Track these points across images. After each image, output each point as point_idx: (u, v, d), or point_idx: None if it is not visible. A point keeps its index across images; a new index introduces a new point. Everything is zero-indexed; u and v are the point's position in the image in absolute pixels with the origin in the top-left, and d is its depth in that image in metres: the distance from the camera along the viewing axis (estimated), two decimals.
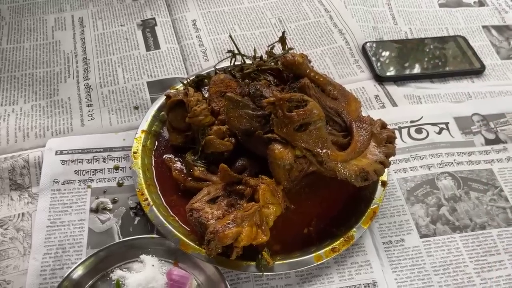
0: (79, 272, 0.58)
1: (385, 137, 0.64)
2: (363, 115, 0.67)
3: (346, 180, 0.60)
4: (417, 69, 0.88)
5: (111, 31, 0.92)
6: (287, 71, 0.66)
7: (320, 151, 0.58)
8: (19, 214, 0.65)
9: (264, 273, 0.58)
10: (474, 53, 0.90)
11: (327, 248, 0.60)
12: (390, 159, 0.71)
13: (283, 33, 0.76)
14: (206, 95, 0.74)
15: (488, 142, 0.76)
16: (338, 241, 0.61)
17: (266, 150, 0.61)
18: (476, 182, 0.71)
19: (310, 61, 0.67)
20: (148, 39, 0.91)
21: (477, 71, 0.88)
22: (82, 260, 0.59)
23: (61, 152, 0.71)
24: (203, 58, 0.88)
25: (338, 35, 0.95)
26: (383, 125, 0.66)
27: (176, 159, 0.70)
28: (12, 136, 0.74)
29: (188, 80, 0.77)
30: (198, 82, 0.78)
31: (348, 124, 0.63)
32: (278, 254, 0.61)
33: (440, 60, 0.90)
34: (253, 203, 0.58)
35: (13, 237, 0.63)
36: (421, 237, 0.65)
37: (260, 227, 0.57)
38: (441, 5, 1.03)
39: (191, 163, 0.67)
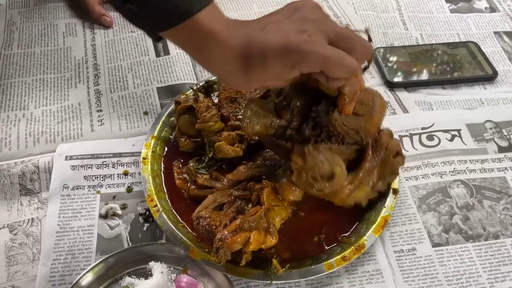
0: (88, 278, 0.58)
1: (394, 168, 0.61)
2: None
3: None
4: (428, 75, 0.87)
5: (121, 37, 0.92)
6: (312, 88, 0.58)
7: (328, 197, 0.59)
8: (28, 220, 0.65)
9: (274, 281, 0.58)
10: (486, 59, 0.89)
11: (338, 257, 0.60)
12: (401, 166, 0.71)
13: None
14: (216, 101, 0.74)
15: (501, 149, 0.75)
16: (349, 250, 0.60)
17: (280, 151, 0.61)
18: (489, 191, 0.70)
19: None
20: (157, 45, 0.91)
21: (489, 78, 0.87)
22: (91, 266, 0.59)
23: (71, 158, 0.71)
24: None
25: None
26: (398, 153, 0.61)
27: (181, 166, 0.69)
28: (23, 141, 0.74)
29: (198, 85, 0.77)
30: (208, 88, 0.78)
31: (364, 145, 0.59)
32: (288, 262, 0.60)
33: (451, 66, 0.89)
34: (258, 206, 0.58)
35: (23, 242, 0.63)
36: (434, 246, 0.64)
37: (267, 230, 0.57)
38: (452, 11, 1.03)
39: (193, 171, 0.66)
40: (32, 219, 0.65)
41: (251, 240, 0.53)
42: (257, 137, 0.64)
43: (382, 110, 0.58)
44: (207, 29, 0.47)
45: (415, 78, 0.86)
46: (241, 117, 0.62)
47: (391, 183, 0.63)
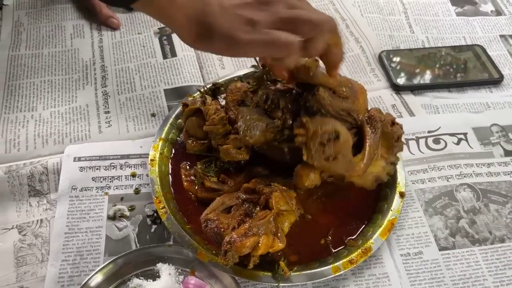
0: (97, 279, 0.58)
1: (395, 137, 0.64)
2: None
3: (362, 187, 0.63)
4: (434, 78, 0.87)
5: (128, 39, 0.93)
6: (299, 81, 0.65)
7: (346, 173, 0.59)
8: (37, 221, 0.66)
9: (281, 284, 0.58)
10: (492, 63, 0.90)
11: (345, 260, 0.60)
12: (407, 169, 0.72)
13: None
14: (223, 103, 0.75)
15: (507, 153, 0.75)
16: (356, 253, 0.61)
17: (280, 155, 0.63)
18: (495, 194, 0.70)
19: (317, 61, 0.63)
20: (165, 47, 0.91)
21: (496, 81, 0.87)
22: (100, 267, 0.59)
23: (79, 159, 0.72)
24: (219, 66, 0.89)
25: (354, 43, 0.94)
26: (393, 122, 0.65)
27: (188, 168, 0.70)
28: (31, 143, 0.75)
29: (205, 88, 0.77)
30: (215, 90, 0.78)
31: (360, 124, 0.63)
32: (295, 264, 0.60)
33: (457, 69, 0.89)
34: (267, 210, 0.58)
35: (31, 243, 0.64)
36: (440, 249, 0.64)
37: (276, 235, 0.57)
38: (458, 14, 1.03)
39: (201, 173, 0.67)
40: (41, 220, 0.66)
41: (260, 244, 0.53)
42: (257, 148, 0.65)
43: (363, 91, 0.64)
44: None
45: (420, 80, 0.87)
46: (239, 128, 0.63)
47: (400, 151, 0.65)
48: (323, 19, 0.52)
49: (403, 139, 0.65)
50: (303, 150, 0.57)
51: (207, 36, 0.53)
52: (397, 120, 0.68)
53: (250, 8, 0.52)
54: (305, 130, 0.57)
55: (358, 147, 0.62)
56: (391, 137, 0.64)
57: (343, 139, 0.57)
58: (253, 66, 0.77)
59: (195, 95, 0.77)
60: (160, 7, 0.55)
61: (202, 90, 0.77)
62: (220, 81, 0.79)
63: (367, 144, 0.61)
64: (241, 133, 0.63)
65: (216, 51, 0.57)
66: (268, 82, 0.73)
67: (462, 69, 0.89)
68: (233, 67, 0.88)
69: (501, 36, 0.98)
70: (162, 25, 0.95)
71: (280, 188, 0.60)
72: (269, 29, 0.51)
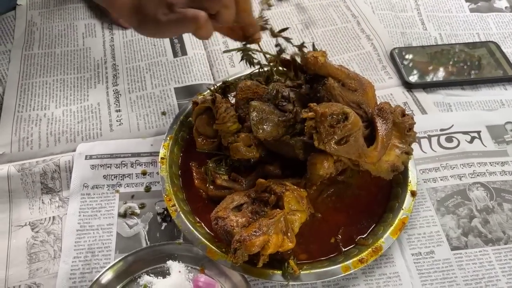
0: (108, 276, 0.59)
1: (407, 126, 0.64)
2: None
3: (379, 175, 0.63)
4: (447, 76, 0.86)
5: (139, 38, 0.93)
6: (308, 72, 0.65)
7: (359, 159, 0.59)
8: (50, 218, 0.67)
9: (291, 283, 0.58)
10: (507, 60, 0.88)
11: (355, 259, 0.59)
12: (419, 168, 0.71)
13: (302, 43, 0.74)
14: (233, 101, 0.74)
15: None
16: (366, 252, 0.60)
17: (292, 151, 0.62)
18: (509, 194, 0.69)
19: (326, 54, 0.65)
20: (175, 45, 0.91)
21: (510, 78, 0.86)
22: (110, 264, 0.60)
23: (91, 157, 0.72)
24: (229, 64, 0.89)
25: (365, 40, 0.94)
26: (403, 113, 0.65)
27: (199, 166, 0.70)
28: (44, 141, 0.76)
29: (215, 86, 0.77)
30: (225, 89, 0.78)
31: (370, 116, 0.64)
32: (305, 263, 0.60)
33: (471, 66, 0.87)
34: (278, 210, 0.58)
35: (44, 240, 0.64)
36: (452, 249, 0.63)
37: (285, 234, 0.57)
38: (471, 10, 1.01)
39: (212, 171, 0.67)
40: (53, 217, 0.67)
41: (269, 243, 0.53)
42: (269, 144, 0.65)
43: (371, 85, 0.66)
44: None
45: (433, 78, 0.85)
46: (251, 122, 0.63)
47: (413, 141, 0.65)
48: None
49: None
50: (314, 136, 0.57)
51: (143, 22, 0.62)
52: None
53: None
54: (313, 113, 0.57)
55: (371, 140, 0.62)
56: (403, 127, 0.64)
57: (352, 120, 0.57)
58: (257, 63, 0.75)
59: (205, 93, 0.78)
60: (109, 4, 0.65)
61: (212, 88, 0.77)
62: (230, 79, 0.79)
63: (379, 134, 0.62)
64: (253, 127, 0.63)
65: (152, 34, 0.68)
66: (278, 78, 0.73)
67: (476, 66, 0.87)
68: (243, 66, 0.87)
69: None
70: None
71: (292, 187, 0.60)
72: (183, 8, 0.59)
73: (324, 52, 0.64)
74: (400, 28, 0.96)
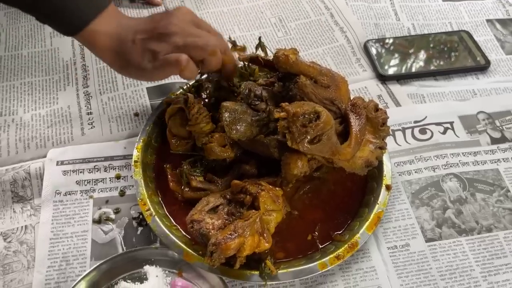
0: (83, 285, 0.58)
1: (380, 121, 0.64)
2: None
3: (353, 172, 0.64)
4: (420, 67, 0.86)
5: None
6: (280, 70, 0.65)
7: (333, 157, 0.59)
8: (22, 227, 0.65)
9: (268, 282, 0.58)
10: (479, 48, 0.89)
11: (332, 256, 0.60)
12: (394, 161, 0.71)
13: (259, 38, 0.74)
14: (207, 100, 0.74)
15: (493, 141, 0.75)
16: (343, 248, 0.60)
17: (267, 150, 0.62)
18: (482, 183, 0.70)
19: (298, 52, 0.65)
20: None
21: (482, 67, 0.86)
22: (86, 272, 0.59)
23: (62, 163, 0.71)
24: None
25: (339, 33, 0.93)
26: (376, 107, 0.66)
27: (174, 168, 0.69)
28: (13, 147, 0.74)
29: (188, 85, 0.76)
30: (198, 87, 0.77)
31: (343, 112, 0.64)
32: (282, 262, 0.60)
33: (444, 56, 0.88)
34: (253, 210, 0.57)
35: (17, 250, 0.63)
36: (427, 241, 0.64)
37: (262, 235, 0.57)
38: None
39: (187, 173, 0.66)
40: (26, 226, 0.65)
41: (245, 245, 0.53)
42: (244, 144, 0.65)
43: (344, 81, 0.65)
44: (91, 39, 0.65)
45: (406, 69, 0.86)
46: (224, 122, 0.63)
47: (387, 136, 0.66)
48: (212, 44, 0.64)
49: (388, 124, 0.66)
50: (286, 136, 0.57)
51: (126, 66, 0.65)
52: None
53: (154, 40, 0.63)
54: (285, 113, 0.57)
55: (344, 136, 0.62)
56: (376, 122, 0.64)
57: (324, 119, 0.57)
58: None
59: (178, 92, 0.76)
60: (91, 47, 0.66)
61: (185, 87, 0.76)
62: (203, 77, 0.78)
63: (353, 130, 0.62)
64: (226, 128, 0.63)
65: (135, 77, 0.74)
66: (251, 77, 0.73)
67: (448, 56, 0.88)
68: None
69: (488, 20, 0.97)
70: None
71: (267, 187, 0.60)
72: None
73: (295, 49, 0.64)
74: (373, 19, 0.96)
